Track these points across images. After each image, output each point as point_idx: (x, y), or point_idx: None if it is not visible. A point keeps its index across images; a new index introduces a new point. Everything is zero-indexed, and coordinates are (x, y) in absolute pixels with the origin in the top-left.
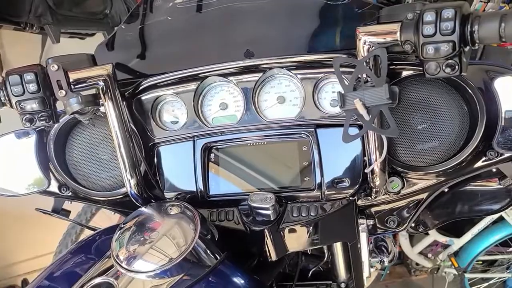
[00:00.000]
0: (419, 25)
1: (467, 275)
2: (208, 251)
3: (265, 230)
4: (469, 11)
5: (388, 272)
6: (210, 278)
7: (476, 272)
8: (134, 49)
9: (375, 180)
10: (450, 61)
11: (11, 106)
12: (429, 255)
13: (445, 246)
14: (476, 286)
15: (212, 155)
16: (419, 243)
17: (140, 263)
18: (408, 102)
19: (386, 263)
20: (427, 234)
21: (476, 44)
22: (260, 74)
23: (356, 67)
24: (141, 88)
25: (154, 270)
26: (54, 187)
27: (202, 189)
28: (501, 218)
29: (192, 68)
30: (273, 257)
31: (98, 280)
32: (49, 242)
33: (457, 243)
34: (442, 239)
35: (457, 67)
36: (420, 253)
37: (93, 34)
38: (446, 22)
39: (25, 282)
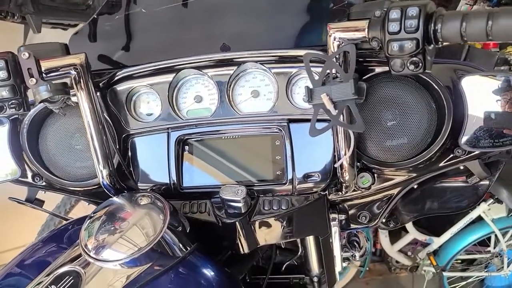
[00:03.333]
0: (385, 22)
1: (446, 274)
2: (178, 242)
3: (237, 222)
4: (433, 10)
5: (368, 269)
6: (179, 269)
7: (455, 271)
8: (110, 40)
9: (344, 175)
10: (414, 58)
11: None
12: (409, 253)
13: (425, 245)
14: (455, 285)
15: (186, 148)
16: (399, 241)
17: (109, 252)
18: (378, 99)
19: (357, 258)
20: (407, 232)
21: (439, 42)
22: (235, 68)
23: (326, 62)
24: (116, 78)
25: (122, 259)
26: (27, 176)
27: (175, 181)
28: (480, 218)
29: (168, 60)
30: (245, 249)
31: (65, 268)
32: (28, 233)
33: (436, 242)
34: (422, 237)
35: (420, 64)
36: (400, 251)
37: (75, 25)
38: (410, 20)
39: None
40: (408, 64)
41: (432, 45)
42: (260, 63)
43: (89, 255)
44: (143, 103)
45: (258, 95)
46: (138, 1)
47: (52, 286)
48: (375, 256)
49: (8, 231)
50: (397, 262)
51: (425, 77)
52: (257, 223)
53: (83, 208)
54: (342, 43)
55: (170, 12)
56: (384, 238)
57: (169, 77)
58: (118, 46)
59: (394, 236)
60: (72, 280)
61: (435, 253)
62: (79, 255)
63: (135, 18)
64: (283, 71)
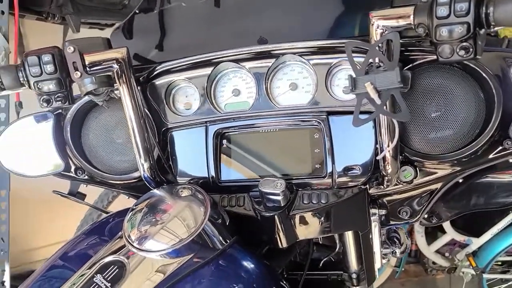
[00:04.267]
0: (433, 7)
1: (486, 276)
2: (218, 235)
3: (275, 216)
4: None
5: (403, 270)
6: (219, 261)
7: (495, 273)
8: (148, 35)
9: (387, 167)
10: (464, 43)
11: (29, 87)
12: (447, 254)
13: (463, 246)
14: (495, 287)
15: (224, 141)
16: (436, 241)
17: (151, 243)
18: (422, 89)
19: (398, 255)
20: (444, 232)
21: (491, 26)
22: (273, 60)
23: (369, 51)
24: (155, 73)
25: (164, 250)
26: (70, 170)
27: (214, 175)
28: None
29: (206, 54)
30: (283, 244)
31: (109, 258)
32: (68, 228)
33: (475, 243)
34: (460, 238)
35: (471, 49)
36: (437, 251)
37: (112, 25)
38: (460, 3)
39: None
40: (458, 50)
41: (483, 29)
42: (298, 55)
43: (132, 245)
44: (182, 97)
45: (297, 87)
46: None
47: (98, 275)
48: (411, 257)
49: (47, 227)
50: (433, 263)
51: (472, 65)
52: (296, 217)
53: (120, 204)
54: (385, 31)
55: (207, 6)
56: (420, 238)
57: (207, 71)
58: (157, 40)
59: (431, 236)
60: (117, 270)
61: (474, 254)
62: (123, 246)
63: (173, 12)
64: (322, 62)
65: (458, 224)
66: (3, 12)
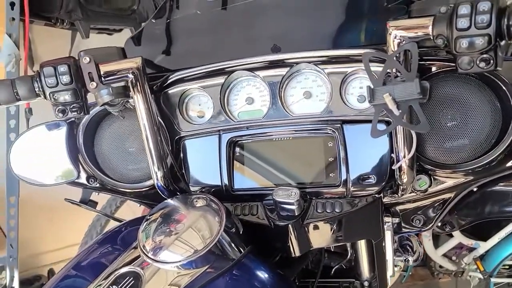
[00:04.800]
0: (453, 18)
1: (493, 280)
2: (233, 244)
3: (289, 225)
4: (505, 4)
5: (410, 274)
6: (234, 271)
7: (503, 277)
8: (162, 43)
9: (403, 177)
10: (484, 55)
11: (45, 97)
12: (454, 257)
13: (471, 249)
14: None
15: (237, 150)
16: (443, 245)
17: (166, 253)
18: (438, 98)
19: (411, 263)
20: (452, 236)
21: None
22: (287, 69)
23: (386, 61)
24: (168, 81)
25: (179, 261)
26: (82, 178)
27: (227, 183)
28: None
29: (219, 63)
30: (297, 252)
31: (125, 269)
32: (75, 233)
33: (483, 247)
34: (468, 241)
35: (492, 61)
36: (444, 255)
37: (120, 30)
38: (481, 15)
39: (51, 272)
40: (478, 62)
41: (504, 41)
42: (313, 64)
43: (147, 256)
44: (195, 105)
45: (311, 96)
46: (188, 4)
47: (114, 286)
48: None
49: (54, 231)
50: (440, 267)
51: (489, 75)
52: (310, 226)
53: (128, 209)
54: (402, 41)
55: (220, 14)
56: (427, 241)
57: (220, 79)
58: (171, 49)
59: (438, 240)
60: (133, 281)
61: (481, 258)
62: (137, 257)
63: (187, 21)
64: (336, 71)
65: (466, 228)
66: (13, 19)
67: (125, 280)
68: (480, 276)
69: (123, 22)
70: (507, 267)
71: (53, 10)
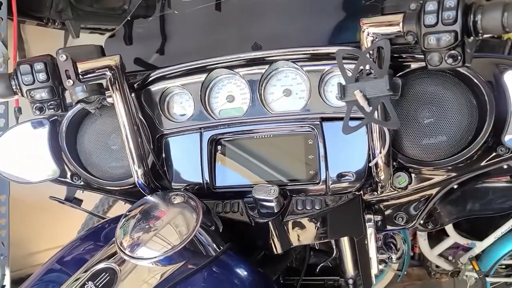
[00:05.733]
0: (421, 15)
1: (489, 279)
2: (211, 241)
3: (269, 222)
4: (472, 1)
5: (406, 274)
6: (212, 268)
7: (499, 277)
8: (143, 41)
9: (380, 174)
10: (452, 51)
11: (22, 95)
12: (450, 257)
13: (467, 249)
14: None
15: (218, 147)
16: (439, 245)
17: (143, 250)
18: (415, 95)
19: (394, 260)
20: (447, 236)
21: (479, 34)
22: (266, 67)
23: (359, 58)
24: (149, 79)
25: (156, 257)
26: (66, 176)
27: (208, 181)
28: None
29: (200, 60)
30: (278, 250)
31: (102, 265)
32: (69, 232)
33: (479, 246)
34: (464, 241)
35: (459, 57)
36: (440, 255)
37: (112, 29)
38: (448, 11)
39: None
40: (446, 58)
41: (471, 38)
42: (292, 61)
43: (124, 253)
44: (176, 103)
45: (290, 93)
46: (169, 2)
47: (89, 282)
48: (414, 260)
49: (47, 231)
50: (437, 266)
51: (465, 72)
52: (290, 223)
53: (121, 208)
54: (375, 38)
55: (201, 13)
56: (423, 241)
57: (201, 77)
58: (152, 47)
59: (434, 239)
60: (108, 277)
61: (477, 257)
62: (115, 253)
63: (167, 20)
64: (315, 69)
65: (461, 227)
66: (1, 18)
67: (100, 276)
68: (477, 275)
69: (114, 22)
70: (503, 266)
71: (43, 10)
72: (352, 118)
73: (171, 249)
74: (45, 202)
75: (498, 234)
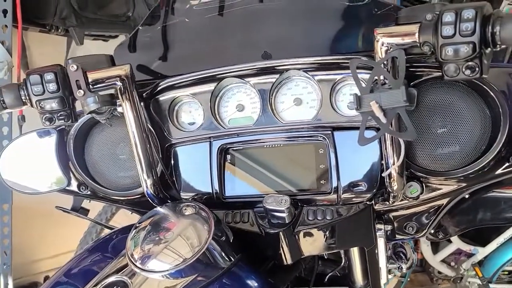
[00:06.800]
0: (438, 26)
1: (492, 286)
2: (222, 253)
3: (280, 233)
4: (490, 12)
5: (409, 280)
6: (223, 280)
7: (502, 283)
8: (152, 50)
9: (393, 184)
10: (470, 63)
11: (31, 105)
12: (452, 263)
13: (469, 255)
14: None
15: (228, 157)
16: (442, 250)
17: (154, 262)
18: (428, 105)
19: (404, 270)
20: (450, 241)
21: (498, 46)
22: (277, 76)
23: (374, 68)
24: (158, 89)
25: (167, 270)
26: (73, 185)
27: (218, 191)
28: None
29: (209, 69)
30: (288, 260)
31: (112, 278)
32: (71, 240)
33: (481, 252)
34: (466, 247)
35: (477, 69)
36: (443, 261)
37: (116, 36)
38: (466, 22)
39: (47, 279)
40: (464, 69)
41: (489, 49)
42: (303, 71)
43: (135, 265)
44: (185, 112)
45: (301, 103)
46: (178, 11)
47: None
48: (416, 266)
49: (50, 238)
50: (439, 272)
51: (478, 82)
52: (301, 234)
53: (124, 215)
54: (390, 48)
55: (211, 21)
56: (425, 247)
57: (211, 86)
58: (161, 56)
59: (436, 245)
60: None
61: (480, 263)
62: (126, 265)
63: (177, 28)
64: (326, 78)
65: (464, 233)
66: (6, 26)
67: None
68: (479, 282)
69: (118, 29)
70: (506, 272)
71: (47, 17)
72: (366, 128)
73: (183, 262)
74: (48, 208)
75: (501, 240)
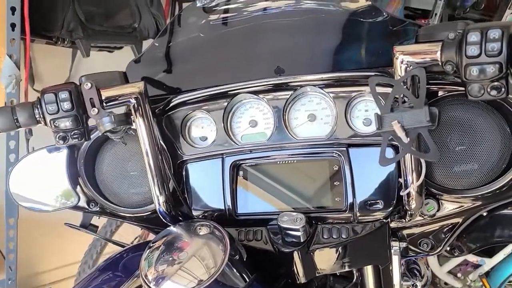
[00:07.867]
0: (462, 45)
1: None
2: (237, 273)
3: (295, 252)
4: None
5: None
6: None
7: None
8: (165, 66)
9: (411, 203)
10: (495, 83)
11: (45, 124)
12: (459, 274)
13: (476, 266)
14: None
15: (241, 173)
16: (448, 262)
17: (169, 284)
18: (446, 122)
19: (419, 287)
20: None
21: None
22: (291, 92)
23: (394, 87)
24: (171, 105)
25: None
26: (83, 202)
27: (231, 208)
28: None
29: (222, 85)
30: (302, 279)
31: None
32: (76, 252)
33: (488, 263)
34: (473, 258)
35: (503, 89)
36: (449, 272)
37: (121, 47)
38: (492, 43)
39: None
40: (489, 89)
41: None
42: (318, 87)
43: (149, 286)
44: (198, 128)
45: (315, 119)
46: (193, 26)
47: None
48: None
49: (54, 250)
50: (445, 284)
51: (499, 100)
52: (316, 253)
53: (128, 228)
54: (410, 66)
55: (223, 36)
56: (432, 258)
57: (224, 102)
58: (174, 72)
59: (443, 256)
60: None
61: (487, 274)
62: (140, 286)
63: (189, 43)
64: (341, 94)
65: None
66: (14, 39)
67: None
68: None
69: (124, 40)
70: None
71: (55, 29)
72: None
73: (198, 285)
74: (52, 221)
75: (508, 251)
